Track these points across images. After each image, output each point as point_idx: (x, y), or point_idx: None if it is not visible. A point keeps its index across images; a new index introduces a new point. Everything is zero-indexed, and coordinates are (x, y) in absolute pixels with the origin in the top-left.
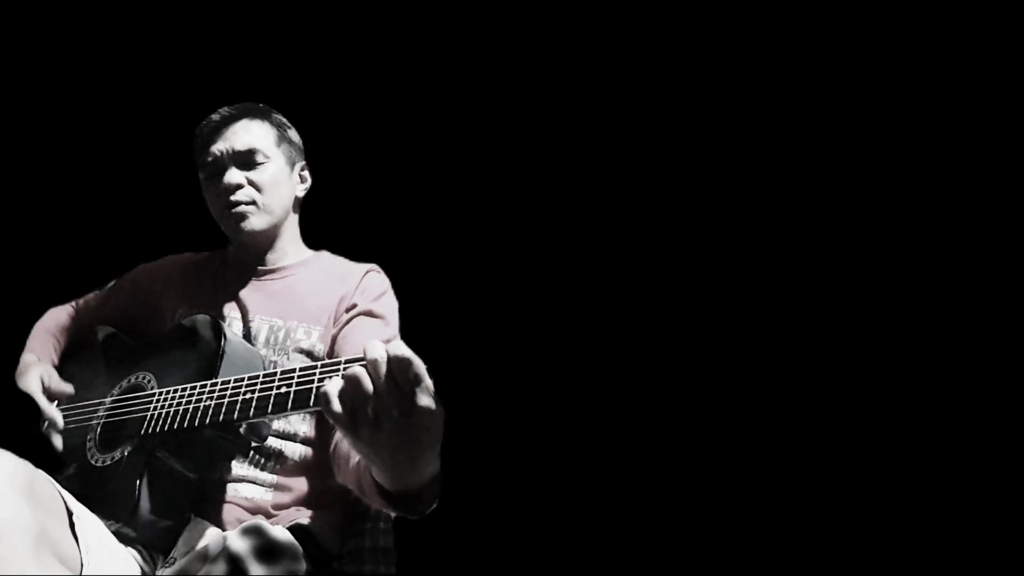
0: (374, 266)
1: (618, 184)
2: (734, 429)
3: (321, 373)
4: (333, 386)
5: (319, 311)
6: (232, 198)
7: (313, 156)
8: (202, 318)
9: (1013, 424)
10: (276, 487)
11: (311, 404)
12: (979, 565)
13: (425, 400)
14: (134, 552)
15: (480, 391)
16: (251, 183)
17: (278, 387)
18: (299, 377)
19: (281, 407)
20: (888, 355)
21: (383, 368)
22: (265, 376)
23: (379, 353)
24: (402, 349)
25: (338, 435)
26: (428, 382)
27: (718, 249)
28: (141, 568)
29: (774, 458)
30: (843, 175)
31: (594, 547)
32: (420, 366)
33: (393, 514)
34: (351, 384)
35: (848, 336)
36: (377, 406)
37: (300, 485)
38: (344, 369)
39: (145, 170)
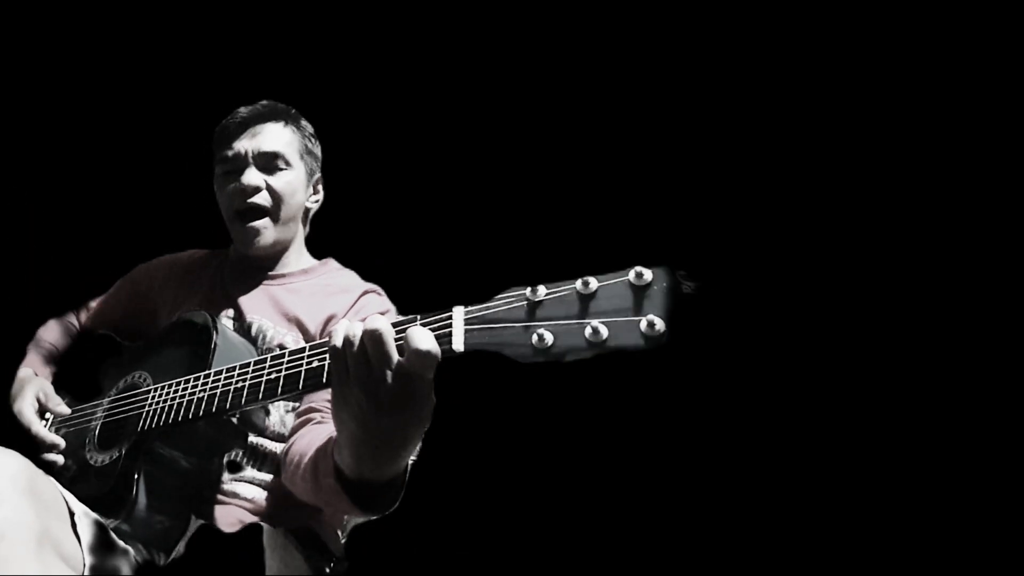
0: (375, 287)
1: (622, 189)
2: (732, 431)
3: (309, 356)
4: (341, 326)
5: (309, 324)
6: (249, 201)
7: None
8: (195, 314)
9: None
10: (275, 488)
11: (300, 387)
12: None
13: (423, 383)
14: (134, 551)
15: (481, 399)
16: (269, 188)
17: (268, 372)
18: (288, 361)
19: (272, 391)
20: (888, 356)
21: (389, 340)
22: (255, 363)
23: (382, 325)
24: (423, 336)
25: (293, 438)
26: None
27: (719, 250)
28: (141, 567)
29: (772, 458)
30: (843, 175)
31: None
32: (435, 351)
33: (347, 518)
34: (350, 343)
35: (848, 337)
36: (377, 368)
37: None
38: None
39: (146, 170)
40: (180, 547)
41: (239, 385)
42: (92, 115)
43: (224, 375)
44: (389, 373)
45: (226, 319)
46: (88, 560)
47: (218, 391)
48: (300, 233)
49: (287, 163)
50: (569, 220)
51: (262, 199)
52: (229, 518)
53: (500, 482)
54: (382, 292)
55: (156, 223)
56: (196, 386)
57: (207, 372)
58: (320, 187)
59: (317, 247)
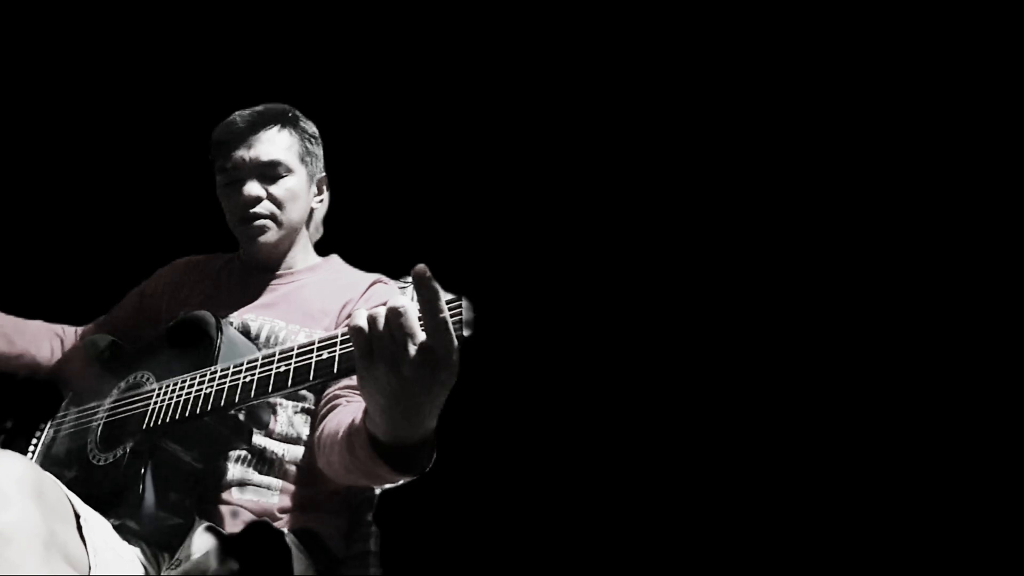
0: (382, 277)
1: (625, 187)
2: (731, 430)
3: (319, 349)
4: (362, 313)
5: (321, 315)
6: (252, 211)
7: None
8: (198, 314)
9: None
10: (281, 491)
11: (311, 378)
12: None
13: (448, 349)
14: (139, 551)
15: (485, 398)
16: (271, 196)
17: (277, 366)
18: (297, 354)
19: (281, 385)
20: (888, 356)
21: (412, 316)
22: (264, 357)
23: (405, 303)
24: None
25: (322, 424)
26: (453, 336)
27: (719, 251)
28: (146, 569)
29: (772, 458)
30: (843, 175)
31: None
32: (445, 315)
33: (386, 480)
34: (374, 322)
35: (848, 337)
36: (401, 346)
37: (305, 489)
38: (342, 343)
39: (151, 174)
40: (184, 547)
41: (247, 379)
42: (92, 116)
43: (231, 370)
44: (412, 348)
45: (232, 320)
46: (94, 563)
47: (225, 386)
48: (305, 234)
49: (288, 169)
50: (569, 221)
51: (263, 208)
52: (234, 520)
53: (499, 481)
54: (389, 281)
55: (157, 226)
56: (202, 382)
57: (212, 368)
58: (325, 187)
59: (322, 244)
